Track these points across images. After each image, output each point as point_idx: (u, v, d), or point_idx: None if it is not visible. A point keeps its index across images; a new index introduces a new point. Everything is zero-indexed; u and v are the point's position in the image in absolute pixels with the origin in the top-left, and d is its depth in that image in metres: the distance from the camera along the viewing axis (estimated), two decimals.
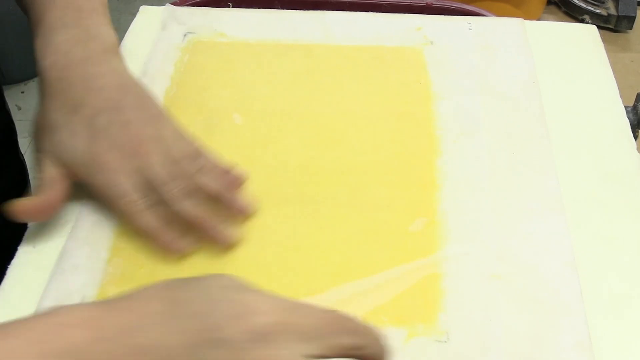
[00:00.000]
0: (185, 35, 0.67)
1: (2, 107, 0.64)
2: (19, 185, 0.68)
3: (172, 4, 0.74)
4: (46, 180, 0.47)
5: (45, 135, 0.49)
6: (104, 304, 0.35)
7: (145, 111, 0.50)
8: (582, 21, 1.66)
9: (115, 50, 0.52)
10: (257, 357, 0.32)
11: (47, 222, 0.50)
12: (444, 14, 0.76)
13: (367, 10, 0.70)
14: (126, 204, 0.47)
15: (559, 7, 1.74)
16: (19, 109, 1.83)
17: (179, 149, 0.49)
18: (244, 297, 0.34)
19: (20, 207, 0.46)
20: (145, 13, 0.70)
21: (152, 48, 0.65)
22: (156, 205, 0.47)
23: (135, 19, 0.70)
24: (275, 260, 0.47)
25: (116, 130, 0.48)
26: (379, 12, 0.70)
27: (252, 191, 0.52)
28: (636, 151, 0.56)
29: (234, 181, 0.50)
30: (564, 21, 1.66)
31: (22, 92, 1.89)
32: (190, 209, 0.47)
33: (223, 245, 0.48)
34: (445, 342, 0.43)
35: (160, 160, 0.48)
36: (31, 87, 1.90)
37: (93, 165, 0.47)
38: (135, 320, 0.33)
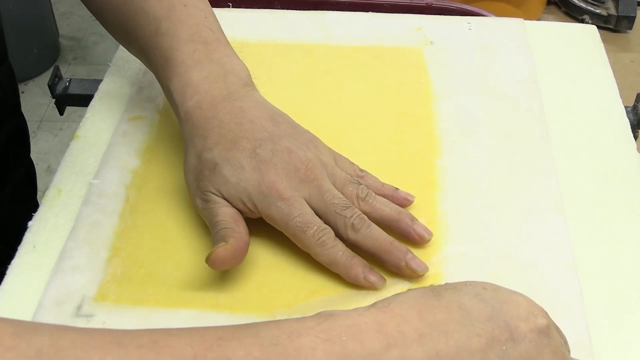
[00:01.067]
0: None
1: (18, 109, 0.65)
2: (27, 186, 0.68)
3: None
4: (227, 222, 0.45)
5: (206, 177, 0.46)
6: (375, 311, 0.35)
7: (300, 137, 0.48)
8: (582, 21, 1.66)
9: (251, 83, 0.51)
10: (548, 349, 0.36)
11: (47, 222, 0.50)
12: (444, 14, 0.76)
13: (367, 10, 0.70)
14: (314, 234, 0.45)
15: (559, 7, 1.74)
16: None
17: (343, 173, 0.48)
18: (515, 298, 0.37)
19: (217, 257, 0.43)
20: None
21: None
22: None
23: None
24: (276, 261, 0.47)
25: (281, 159, 0.46)
26: (379, 12, 0.70)
27: None
28: (636, 151, 0.56)
29: (404, 202, 0.49)
30: (564, 21, 1.66)
31: (22, 92, 1.89)
32: (378, 234, 0.45)
33: (413, 275, 0.45)
34: None
35: (331, 186, 0.46)
36: (31, 87, 1.90)
37: (268, 196, 0.45)
38: (423, 327, 0.34)
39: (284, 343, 0.32)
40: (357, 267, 0.45)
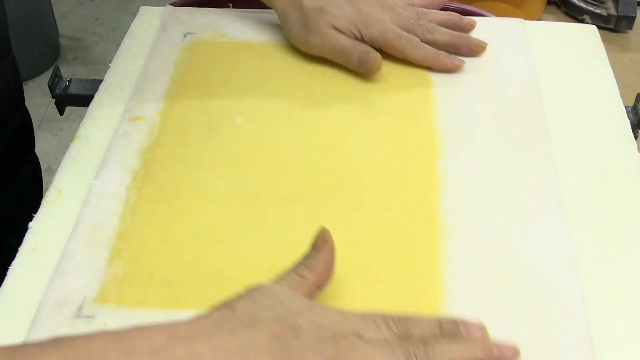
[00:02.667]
0: (185, 36, 0.67)
1: (22, 103, 0.65)
2: (33, 182, 0.68)
3: (171, 4, 0.74)
4: (353, 42, 0.61)
5: (317, 17, 0.61)
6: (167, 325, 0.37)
7: None
8: (582, 21, 1.67)
9: None
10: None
11: (48, 223, 0.50)
12: None
13: None
14: (407, 40, 0.61)
15: (559, 7, 1.75)
16: None
17: (405, 12, 0.64)
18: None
19: (377, 63, 0.61)
20: (145, 14, 0.71)
21: (152, 48, 0.65)
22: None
23: (135, 20, 0.70)
24: (275, 260, 0.47)
25: None
26: None
27: (252, 191, 0.52)
28: (636, 151, 0.56)
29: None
30: (564, 21, 1.66)
31: None
32: (448, 33, 0.63)
33: (478, 51, 0.64)
34: None
35: (403, 9, 0.63)
36: (31, 87, 1.90)
37: (367, 22, 0.61)
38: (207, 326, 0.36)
39: None
40: (443, 56, 0.62)
